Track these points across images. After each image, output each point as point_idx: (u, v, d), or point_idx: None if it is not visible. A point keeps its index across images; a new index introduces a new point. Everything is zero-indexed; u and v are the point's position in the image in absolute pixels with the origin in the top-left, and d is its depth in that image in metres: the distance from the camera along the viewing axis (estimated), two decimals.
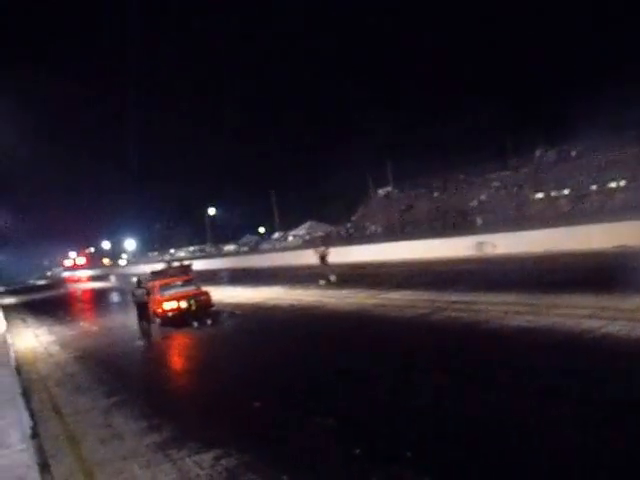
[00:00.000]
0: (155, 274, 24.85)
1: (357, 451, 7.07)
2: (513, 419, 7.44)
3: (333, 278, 26.93)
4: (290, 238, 78.37)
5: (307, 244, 62.28)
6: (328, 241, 48.55)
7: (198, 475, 7.15)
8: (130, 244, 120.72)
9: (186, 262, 32.36)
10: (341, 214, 69.35)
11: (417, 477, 6.20)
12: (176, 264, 33.12)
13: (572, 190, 41.71)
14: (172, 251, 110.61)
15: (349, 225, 67.16)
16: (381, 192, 66.47)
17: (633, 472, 5.70)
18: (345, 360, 12.01)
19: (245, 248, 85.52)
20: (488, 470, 6.20)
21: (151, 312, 20.42)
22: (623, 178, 38.65)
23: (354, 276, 28.45)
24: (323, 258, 27.62)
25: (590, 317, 11.78)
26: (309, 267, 36.35)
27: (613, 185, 38.79)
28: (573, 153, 46.73)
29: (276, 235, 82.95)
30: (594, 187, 39.20)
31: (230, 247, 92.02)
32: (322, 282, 26.30)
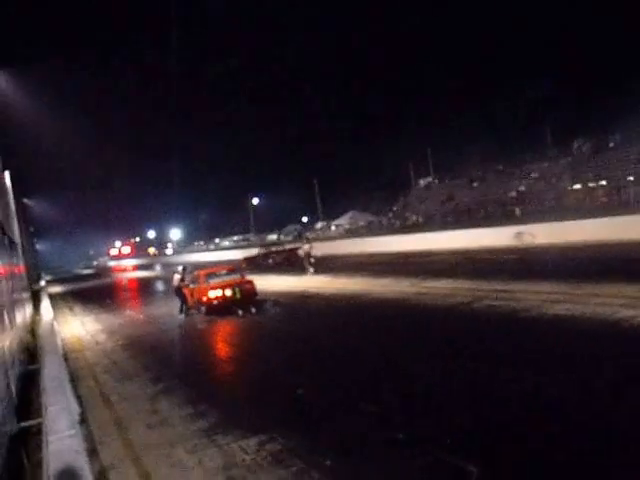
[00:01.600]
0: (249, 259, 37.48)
1: (400, 436, 7.19)
2: (551, 403, 7.63)
3: (311, 270, 29.67)
4: (333, 228, 78.37)
5: (349, 233, 62.51)
6: (369, 230, 48.94)
7: (243, 460, 7.23)
8: (175, 233, 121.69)
9: (289, 245, 38.65)
10: (383, 204, 69.22)
11: (459, 462, 6.32)
12: (275, 247, 39.08)
13: (609, 181, 41.12)
14: (217, 240, 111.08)
15: (390, 215, 67.00)
16: (422, 182, 66.27)
17: None
18: (387, 347, 12.15)
19: (289, 237, 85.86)
20: (529, 455, 6.34)
21: (196, 300, 20.89)
22: None
23: (396, 265, 28.63)
24: (308, 254, 30.36)
25: (627, 306, 11.85)
26: (353, 256, 36.63)
27: None
28: (611, 144, 46.03)
29: (319, 225, 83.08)
30: (631, 178, 38.56)
31: (273, 236, 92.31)
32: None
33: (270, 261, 37.81)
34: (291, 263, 35.90)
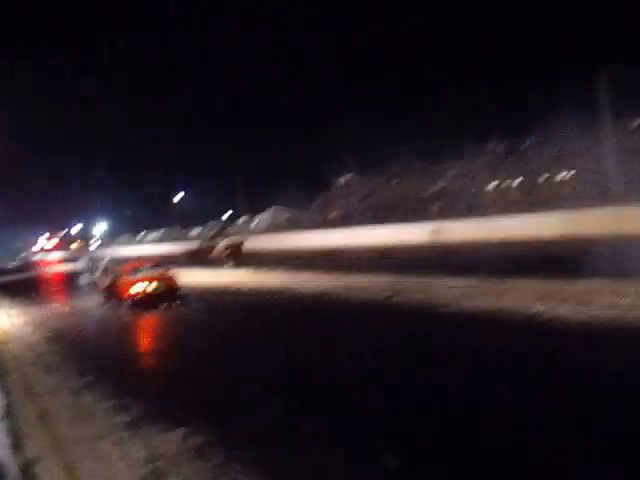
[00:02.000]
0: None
1: (321, 430, 7.11)
2: (456, 394, 7.61)
3: (231, 264, 31.21)
4: (255, 223, 77.98)
5: (272, 228, 62.37)
6: (291, 225, 49.00)
7: (167, 452, 7.11)
8: (101, 227, 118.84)
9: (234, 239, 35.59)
10: (305, 200, 69.20)
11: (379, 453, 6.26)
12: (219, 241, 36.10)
13: (524, 180, 42.30)
14: (142, 234, 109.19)
15: (312, 211, 67.09)
16: (342, 179, 66.62)
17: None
18: (307, 340, 12.08)
19: (212, 232, 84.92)
20: (441, 439, 6.35)
21: (121, 293, 20.50)
22: (571, 169, 39.37)
23: (317, 260, 28.56)
24: (237, 248, 32.48)
25: (540, 301, 12.03)
26: (274, 250, 36.44)
27: (561, 175, 39.50)
28: (526, 145, 47.33)
29: (242, 220, 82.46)
30: (543, 177, 39.81)
31: (196, 231, 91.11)
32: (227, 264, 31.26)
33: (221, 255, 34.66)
34: (236, 256, 33.49)
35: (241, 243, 33.25)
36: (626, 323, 9.54)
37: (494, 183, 44.72)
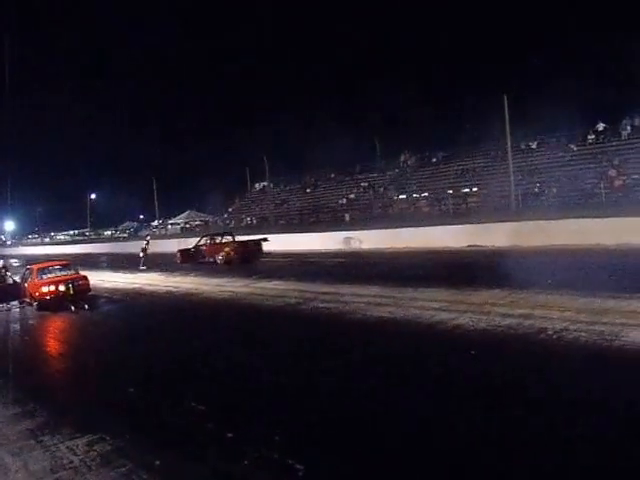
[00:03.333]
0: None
1: (229, 435, 7.01)
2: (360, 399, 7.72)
3: (143, 267, 30.83)
4: (169, 226, 77.02)
5: (186, 232, 61.65)
6: (205, 229, 48.47)
7: (72, 462, 6.76)
8: (9, 226, 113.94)
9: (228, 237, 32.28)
10: (219, 205, 68.63)
11: (285, 457, 6.21)
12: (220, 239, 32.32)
13: (431, 193, 43.42)
14: (52, 234, 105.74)
15: (225, 216, 66.67)
16: (257, 186, 66.61)
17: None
18: (216, 346, 11.94)
19: (124, 234, 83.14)
20: (344, 443, 6.36)
21: (29, 295, 19.75)
22: (476, 185, 40.74)
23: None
24: (144, 250, 31.77)
25: (444, 310, 12.37)
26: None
27: (466, 190, 40.79)
28: (434, 159, 48.61)
29: (155, 223, 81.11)
30: (450, 191, 41.03)
31: (108, 232, 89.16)
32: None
33: (221, 255, 29.99)
34: (246, 258, 29.05)
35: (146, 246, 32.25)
36: (521, 333, 9.96)
37: (403, 195, 45.66)
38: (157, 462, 6.46)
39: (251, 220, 59.38)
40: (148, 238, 36.80)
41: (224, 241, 31.50)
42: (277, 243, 32.76)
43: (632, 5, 38.77)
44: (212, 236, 32.99)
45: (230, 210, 67.81)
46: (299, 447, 6.48)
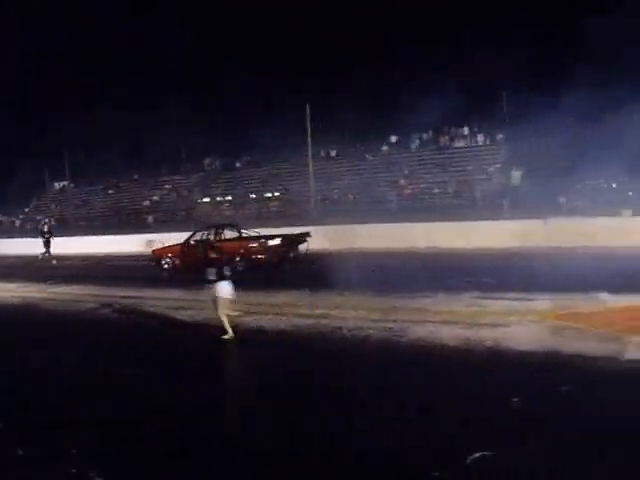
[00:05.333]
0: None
1: (19, 452, 6.43)
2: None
3: None
4: None
5: None
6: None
7: None
8: None
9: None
10: (16, 205, 63.49)
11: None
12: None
13: (235, 197, 43.71)
14: None
15: (22, 217, 62.00)
16: (57, 185, 62.73)
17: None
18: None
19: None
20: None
21: None
22: (278, 190, 41.70)
23: (23, 269, 26.55)
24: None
25: (245, 312, 12.40)
26: None
27: (269, 195, 41.60)
28: (238, 164, 48.98)
29: None
30: (253, 196, 41.55)
31: None
32: None
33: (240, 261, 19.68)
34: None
35: None
36: (316, 333, 10.37)
37: (207, 199, 45.55)
38: None
39: (50, 221, 55.90)
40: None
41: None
42: (77, 245, 31.26)
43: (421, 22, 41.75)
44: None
45: (27, 210, 63.21)
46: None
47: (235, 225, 22.12)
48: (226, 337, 10.08)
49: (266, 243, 19.70)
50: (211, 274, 10.34)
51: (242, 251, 19.62)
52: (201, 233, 21.39)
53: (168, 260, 21.52)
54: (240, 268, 18.39)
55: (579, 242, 18.45)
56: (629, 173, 27.53)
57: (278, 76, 43.81)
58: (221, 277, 10.27)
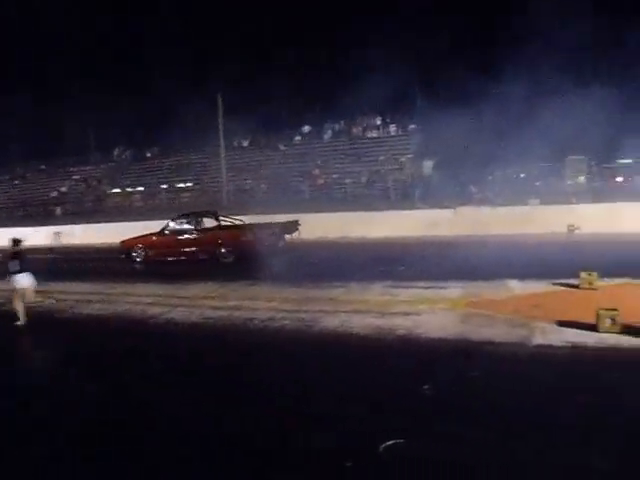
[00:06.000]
0: None
1: None
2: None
3: None
4: None
5: None
6: None
7: None
8: None
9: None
10: None
11: None
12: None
13: (146, 187, 42.78)
14: None
15: None
16: None
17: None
18: None
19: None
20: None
21: None
22: (190, 180, 41.06)
23: None
24: None
25: (155, 305, 12.17)
26: None
27: (181, 185, 40.91)
28: (149, 154, 47.83)
29: None
30: (165, 186, 40.76)
31: None
32: None
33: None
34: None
35: None
36: (229, 324, 10.18)
37: (117, 189, 44.42)
38: None
39: None
40: None
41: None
42: None
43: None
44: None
45: None
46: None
47: (213, 212, 20.86)
48: (19, 324, 11.08)
49: (262, 231, 18.97)
50: (13, 266, 11.27)
51: (244, 239, 18.74)
52: (179, 221, 20.45)
53: (140, 251, 20.49)
54: (226, 259, 18.77)
55: (488, 230, 19.03)
56: (537, 164, 28.66)
57: (189, 64, 42.90)
58: (22, 269, 11.29)
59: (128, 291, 14.07)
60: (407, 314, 9.77)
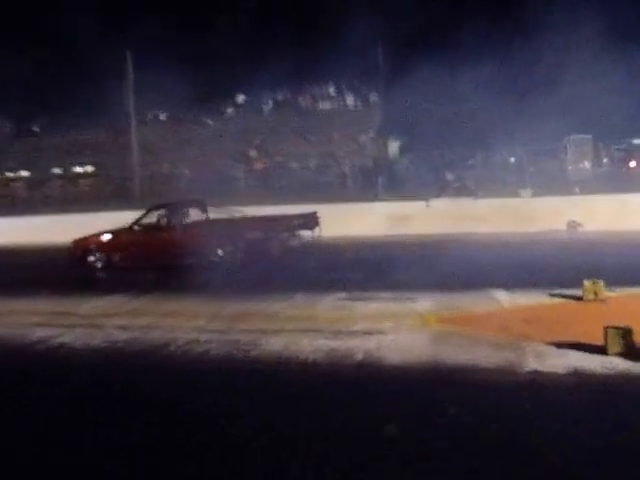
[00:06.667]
0: None
1: None
2: None
3: None
4: None
5: None
6: None
7: None
8: None
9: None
10: None
11: None
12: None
13: (33, 172, 42.02)
14: None
15: None
16: None
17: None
18: None
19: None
20: None
21: None
22: (91, 163, 40.43)
23: None
24: None
25: (43, 325, 11.90)
26: None
27: (79, 170, 40.29)
28: (35, 128, 46.92)
29: None
30: (57, 170, 40.14)
31: None
32: None
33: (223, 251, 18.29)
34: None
35: None
36: (140, 349, 10.01)
37: None
38: None
39: None
40: None
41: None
42: None
43: None
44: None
45: None
46: None
47: (201, 202, 19.76)
48: None
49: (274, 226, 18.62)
50: None
51: (249, 237, 18.22)
52: (158, 213, 19.17)
53: (99, 255, 18.84)
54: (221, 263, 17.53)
55: (469, 228, 19.21)
56: (530, 145, 29.01)
57: (93, 16, 42.20)
58: None
59: (10, 307, 13.80)
60: (367, 333, 9.73)
